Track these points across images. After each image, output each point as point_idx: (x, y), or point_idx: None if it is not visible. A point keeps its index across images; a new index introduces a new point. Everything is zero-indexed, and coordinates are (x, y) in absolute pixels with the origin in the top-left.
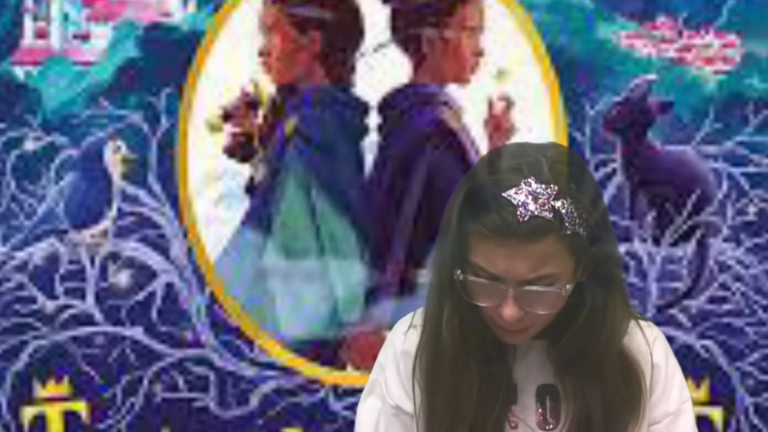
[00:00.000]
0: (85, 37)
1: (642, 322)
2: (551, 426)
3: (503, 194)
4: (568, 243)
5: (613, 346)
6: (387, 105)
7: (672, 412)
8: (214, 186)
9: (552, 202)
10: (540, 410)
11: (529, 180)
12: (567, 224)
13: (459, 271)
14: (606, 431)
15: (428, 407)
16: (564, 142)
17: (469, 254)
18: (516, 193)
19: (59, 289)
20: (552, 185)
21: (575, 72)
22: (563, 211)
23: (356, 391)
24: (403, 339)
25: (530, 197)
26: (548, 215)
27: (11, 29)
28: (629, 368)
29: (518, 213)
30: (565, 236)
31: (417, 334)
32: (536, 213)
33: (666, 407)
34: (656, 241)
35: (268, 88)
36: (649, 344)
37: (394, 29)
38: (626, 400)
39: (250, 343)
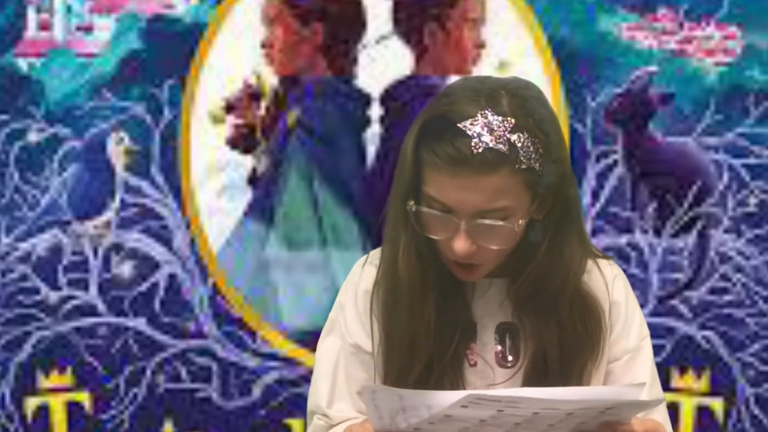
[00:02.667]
0: (88, 29)
1: (602, 261)
2: (510, 364)
3: (459, 125)
4: (522, 177)
5: (569, 285)
6: (389, 97)
7: (631, 348)
8: (216, 177)
9: (508, 135)
10: (499, 347)
11: (486, 112)
12: (522, 158)
13: (412, 202)
14: (563, 369)
15: (386, 341)
16: (565, 133)
17: (422, 185)
18: (472, 124)
19: (62, 280)
20: (509, 118)
21: (576, 64)
22: (519, 144)
23: None
24: (360, 276)
25: (486, 129)
26: (503, 148)
27: (14, 21)
28: (587, 307)
29: (473, 144)
30: (520, 170)
31: (374, 270)
32: (491, 145)
33: (625, 344)
34: (657, 232)
35: (271, 80)
36: (608, 282)
37: (396, 21)
38: (583, 339)
39: (253, 333)
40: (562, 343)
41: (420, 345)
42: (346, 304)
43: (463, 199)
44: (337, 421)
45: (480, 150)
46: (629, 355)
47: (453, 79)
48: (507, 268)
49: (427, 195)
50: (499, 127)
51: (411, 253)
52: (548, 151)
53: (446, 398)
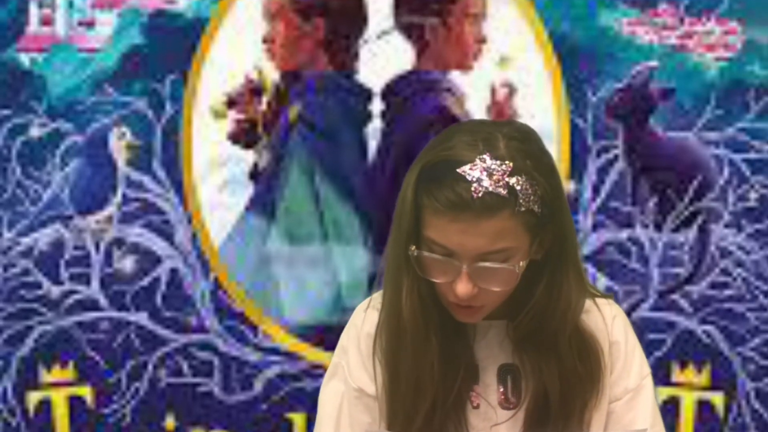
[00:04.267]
0: (90, 24)
1: (601, 300)
2: (512, 405)
3: (458, 170)
4: (522, 219)
5: (568, 324)
6: (390, 92)
7: (632, 388)
8: (218, 172)
9: (507, 179)
10: (501, 389)
11: (485, 156)
12: (521, 201)
13: (414, 247)
14: (564, 408)
15: (390, 385)
16: (566, 128)
17: (423, 229)
18: (471, 168)
19: (64, 274)
20: (507, 161)
21: (577, 59)
22: (518, 187)
23: None
24: (363, 321)
25: (485, 173)
26: (503, 191)
27: (16, 16)
28: (586, 345)
29: (473, 189)
30: (519, 213)
31: (377, 314)
32: (491, 189)
33: (626, 384)
34: (658, 227)
35: (272, 75)
36: (607, 322)
37: (398, 16)
38: (583, 378)
39: (254, 328)
40: (563, 381)
41: (424, 388)
42: (349, 347)
43: (464, 243)
44: None
45: (480, 195)
46: (630, 395)
47: (454, 74)
48: (506, 309)
49: (428, 239)
50: (498, 171)
51: (413, 297)
52: (546, 192)
53: None
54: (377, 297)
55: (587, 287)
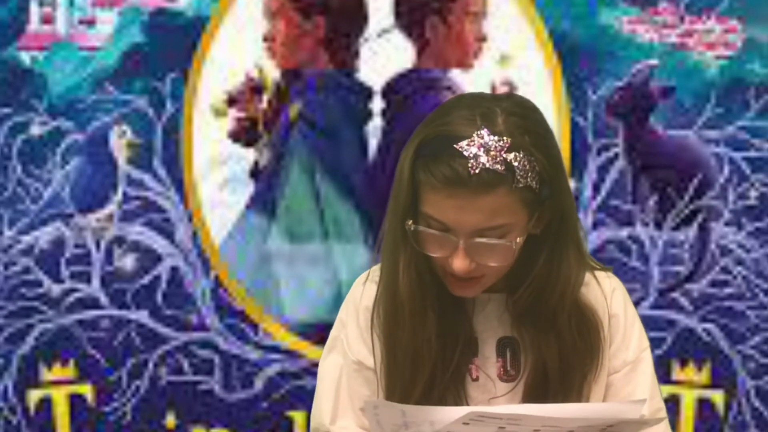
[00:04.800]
0: (90, 23)
1: (600, 273)
2: (512, 377)
3: (455, 145)
4: (519, 195)
5: (567, 298)
6: (391, 90)
7: (631, 360)
8: (218, 170)
9: (504, 155)
10: (500, 362)
11: (482, 132)
12: (519, 177)
13: (411, 221)
14: (563, 381)
15: (388, 359)
16: (566, 126)
17: (420, 204)
18: (468, 144)
19: (65, 272)
20: (505, 137)
21: (578, 57)
22: (515, 163)
23: None
24: (361, 293)
25: (482, 149)
26: (500, 168)
27: (17, 14)
28: (585, 319)
29: (469, 165)
30: (517, 189)
31: (375, 287)
32: (488, 165)
33: (625, 356)
34: (658, 225)
35: (273, 73)
36: (606, 295)
37: (398, 15)
38: (582, 352)
39: (255, 326)
40: (562, 355)
41: (422, 362)
42: (348, 321)
43: (460, 219)
44: None
45: (477, 171)
46: (629, 367)
47: (454, 72)
48: (505, 282)
49: (424, 214)
50: (495, 147)
51: (411, 271)
52: (545, 168)
53: (448, 414)
54: (375, 270)
55: (587, 261)
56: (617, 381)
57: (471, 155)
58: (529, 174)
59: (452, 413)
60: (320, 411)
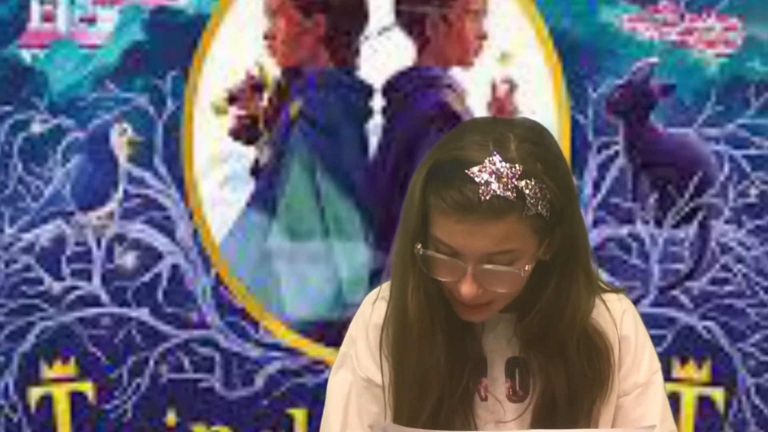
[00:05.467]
0: (91, 21)
1: (610, 296)
2: (520, 398)
3: (466, 171)
4: (529, 223)
5: (576, 325)
6: (391, 88)
7: (642, 383)
8: (219, 168)
9: (515, 182)
10: (509, 382)
11: (494, 158)
12: (529, 205)
13: (420, 245)
14: (571, 406)
15: (396, 379)
16: (567, 124)
17: (430, 228)
18: (480, 170)
19: (66, 270)
20: (517, 164)
21: (578, 55)
22: (527, 191)
23: None
24: (371, 311)
25: (494, 176)
26: (510, 195)
27: (18, 12)
28: (594, 346)
29: (480, 191)
30: (527, 216)
31: (385, 305)
32: (498, 192)
33: (636, 379)
34: (658, 223)
35: (273, 71)
36: (616, 318)
37: (398, 12)
38: (590, 379)
39: (255, 324)
40: (570, 381)
41: (431, 383)
42: (358, 337)
43: (469, 244)
44: None
45: (487, 197)
46: (639, 390)
47: (455, 70)
48: (515, 304)
49: (434, 237)
50: (507, 173)
51: (419, 293)
52: (556, 196)
53: None
54: (386, 287)
55: (596, 288)
56: (627, 404)
57: (482, 181)
58: (540, 202)
59: None
60: (329, 427)
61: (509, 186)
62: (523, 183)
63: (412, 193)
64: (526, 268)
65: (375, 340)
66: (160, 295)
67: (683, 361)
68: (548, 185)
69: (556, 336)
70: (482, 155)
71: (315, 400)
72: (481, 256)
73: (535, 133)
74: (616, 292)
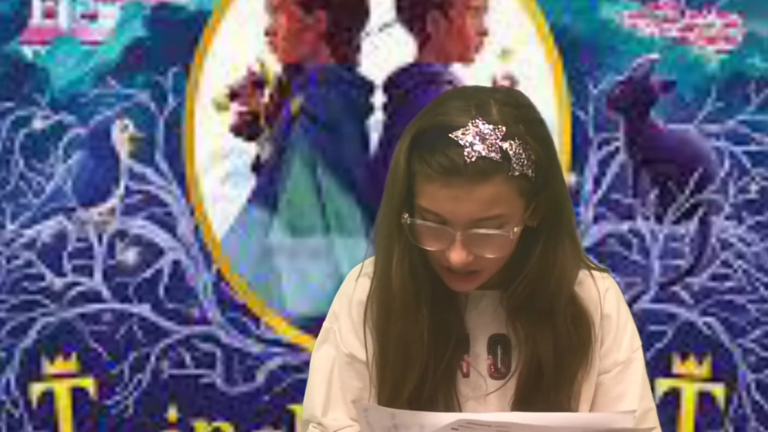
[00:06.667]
0: (92, 17)
1: (596, 272)
2: (502, 374)
3: (450, 135)
4: (516, 184)
5: (563, 292)
6: (392, 84)
7: (622, 361)
8: (220, 164)
9: (500, 143)
10: (490, 359)
11: (477, 121)
12: (515, 165)
13: (406, 215)
14: (556, 378)
15: (380, 353)
16: (567, 120)
17: (416, 197)
18: (463, 133)
19: (67, 266)
20: (500, 126)
21: (578, 51)
22: (511, 152)
23: None
24: (354, 287)
25: (477, 138)
26: (496, 156)
27: (19, 9)
28: (579, 315)
29: (465, 153)
30: (513, 177)
31: (368, 281)
32: (483, 154)
33: (616, 357)
34: (659, 219)
35: (275, 68)
36: (600, 294)
37: (400, 9)
38: (576, 347)
39: (257, 320)
40: (557, 349)
41: (414, 356)
42: (341, 313)
43: (457, 210)
44: (332, 430)
45: (473, 159)
46: (620, 368)
47: (456, 66)
48: (499, 278)
49: (420, 207)
50: (491, 135)
51: (404, 266)
52: (540, 157)
53: (438, 419)
54: (369, 264)
55: (582, 257)
56: (607, 381)
57: (467, 144)
58: (525, 162)
59: (442, 419)
60: (312, 403)
61: (494, 147)
62: (507, 144)
63: (396, 164)
64: (515, 230)
65: (358, 315)
66: (161, 291)
67: (684, 357)
68: (532, 146)
69: (543, 302)
70: (465, 119)
71: None
72: (469, 221)
73: (515, 98)
74: (602, 271)
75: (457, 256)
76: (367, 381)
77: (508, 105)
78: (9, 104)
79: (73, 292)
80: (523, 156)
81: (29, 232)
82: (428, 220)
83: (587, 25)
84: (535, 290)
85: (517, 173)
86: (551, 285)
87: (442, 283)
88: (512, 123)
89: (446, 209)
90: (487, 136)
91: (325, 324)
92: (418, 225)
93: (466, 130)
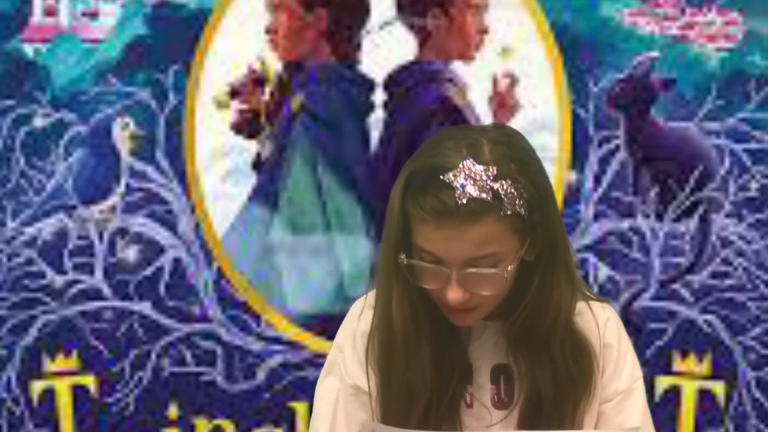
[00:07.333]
0: (93, 15)
1: (595, 303)
2: (505, 405)
3: (442, 177)
4: (508, 223)
5: (560, 323)
6: (393, 82)
7: (622, 390)
8: (221, 162)
9: (491, 183)
10: (493, 389)
11: (468, 162)
12: (507, 205)
13: (403, 255)
14: (557, 409)
15: (383, 390)
16: (567, 118)
17: (411, 237)
18: (455, 175)
19: (68, 264)
20: (491, 167)
21: (579, 49)
22: (502, 191)
23: None
24: (358, 319)
25: (469, 180)
26: (487, 196)
27: (20, 7)
28: (579, 347)
29: (457, 195)
30: (505, 216)
31: (372, 313)
32: (474, 195)
33: (617, 386)
34: (659, 217)
35: (275, 66)
36: (599, 324)
37: (400, 7)
38: (576, 379)
39: (257, 317)
40: (556, 381)
41: (417, 393)
42: (345, 346)
43: (451, 250)
44: None
45: (464, 201)
46: (621, 397)
47: (456, 64)
48: (502, 310)
49: (416, 247)
50: (482, 176)
51: (404, 303)
52: (533, 195)
53: None
54: (372, 296)
55: (580, 289)
56: (608, 410)
57: (458, 186)
58: (517, 201)
59: None
60: None
61: (485, 188)
62: (498, 184)
63: (391, 205)
64: (509, 268)
65: (362, 347)
66: (162, 289)
67: (684, 355)
68: (523, 185)
69: (541, 335)
70: (456, 160)
71: None
72: (463, 261)
73: (508, 136)
74: (601, 301)
75: (453, 294)
76: (372, 412)
77: (501, 144)
78: (10, 102)
79: (73, 290)
80: (515, 195)
81: (30, 230)
82: (425, 260)
83: (587, 23)
84: (533, 322)
85: (509, 212)
86: (548, 317)
87: (443, 318)
88: (504, 162)
89: (441, 250)
90: (478, 177)
91: (329, 356)
92: (415, 265)
93: (458, 171)
